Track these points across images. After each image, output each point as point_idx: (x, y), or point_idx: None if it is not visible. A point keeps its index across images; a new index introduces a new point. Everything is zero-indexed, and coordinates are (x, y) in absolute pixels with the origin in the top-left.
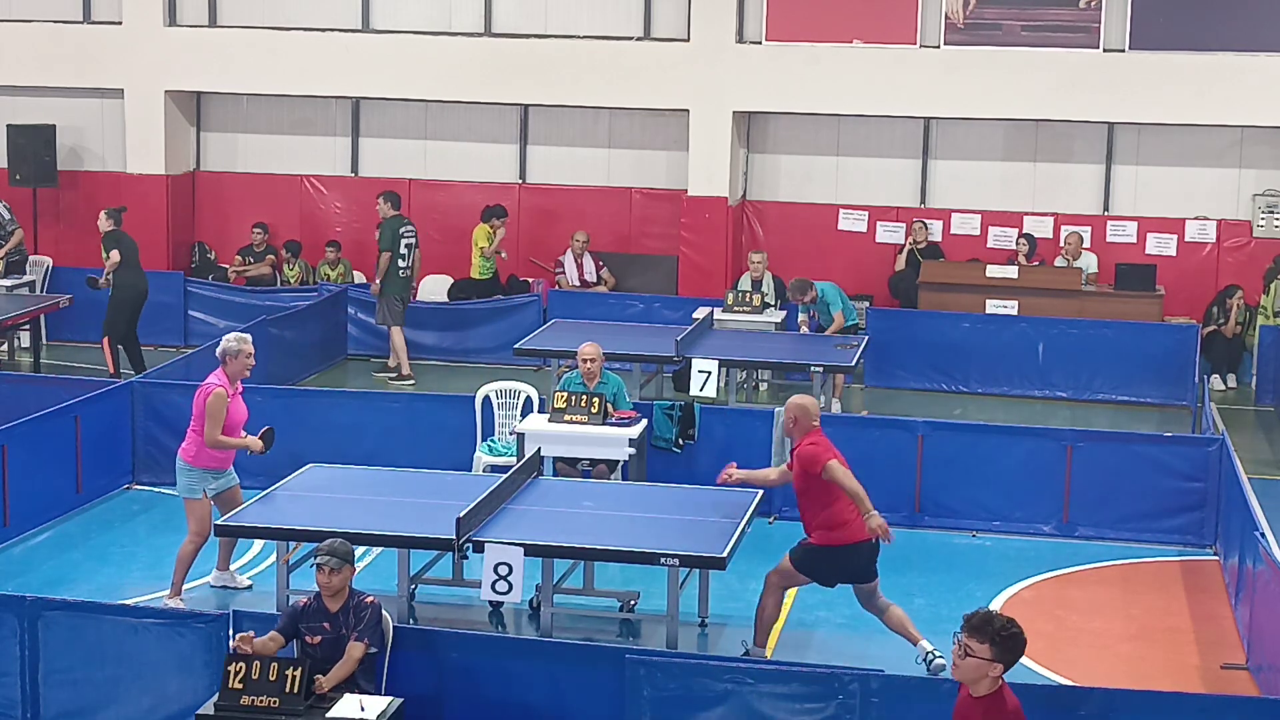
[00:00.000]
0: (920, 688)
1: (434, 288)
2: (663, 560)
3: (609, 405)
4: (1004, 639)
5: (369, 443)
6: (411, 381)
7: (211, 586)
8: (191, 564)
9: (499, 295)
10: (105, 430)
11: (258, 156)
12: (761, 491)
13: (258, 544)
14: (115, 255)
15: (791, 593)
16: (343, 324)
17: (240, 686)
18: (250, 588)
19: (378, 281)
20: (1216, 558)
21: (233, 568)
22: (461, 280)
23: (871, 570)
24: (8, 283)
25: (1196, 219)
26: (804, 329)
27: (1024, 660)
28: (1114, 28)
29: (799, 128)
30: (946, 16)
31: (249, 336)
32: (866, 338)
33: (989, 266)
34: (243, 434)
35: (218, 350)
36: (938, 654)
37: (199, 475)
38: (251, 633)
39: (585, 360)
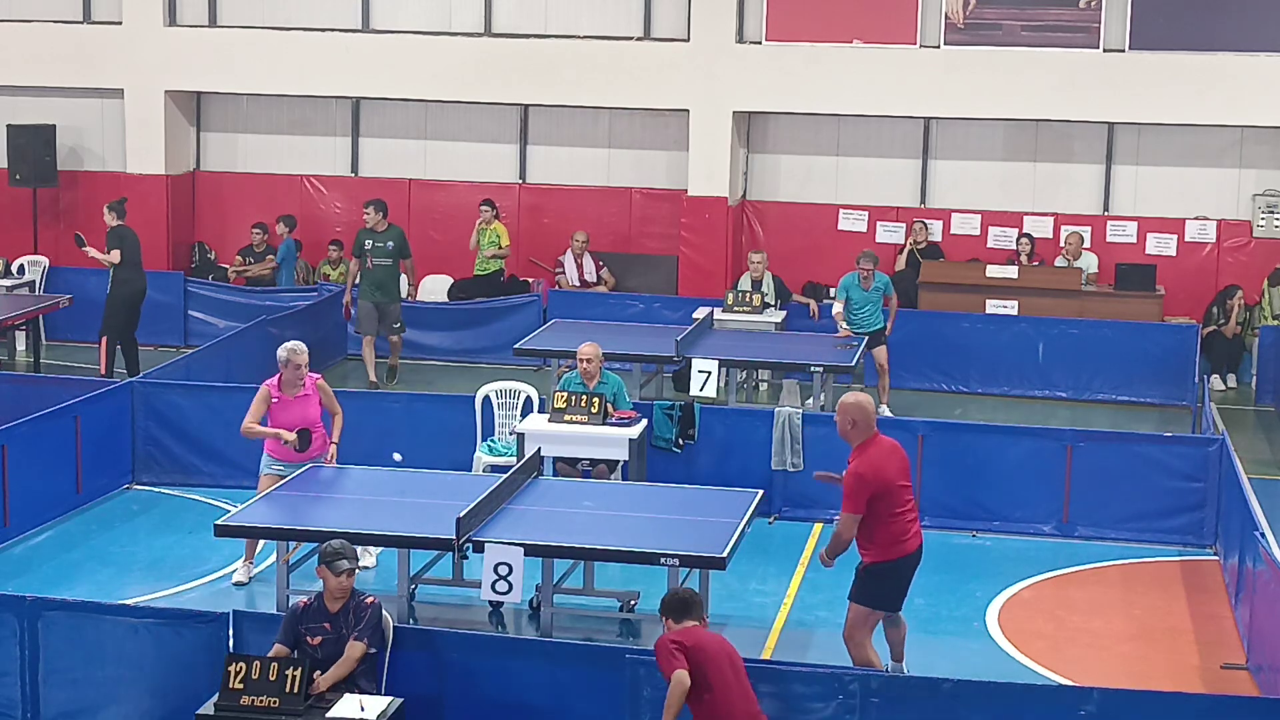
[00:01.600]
0: (920, 688)
1: (434, 288)
2: (663, 560)
3: (609, 405)
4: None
5: (369, 443)
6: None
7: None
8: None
9: (499, 294)
10: (105, 430)
11: (258, 156)
12: (761, 491)
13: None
14: (115, 255)
15: (792, 592)
16: (342, 324)
17: (240, 686)
18: (373, 567)
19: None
20: (1216, 558)
21: (232, 566)
22: (462, 280)
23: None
24: (7, 283)
25: (1196, 219)
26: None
27: (1024, 660)
28: (1114, 28)
29: (799, 128)
30: (946, 16)
31: (298, 346)
32: (866, 338)
33: (989, 266)
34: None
35: None
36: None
37: (263, 457)
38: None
39: (584, 360)
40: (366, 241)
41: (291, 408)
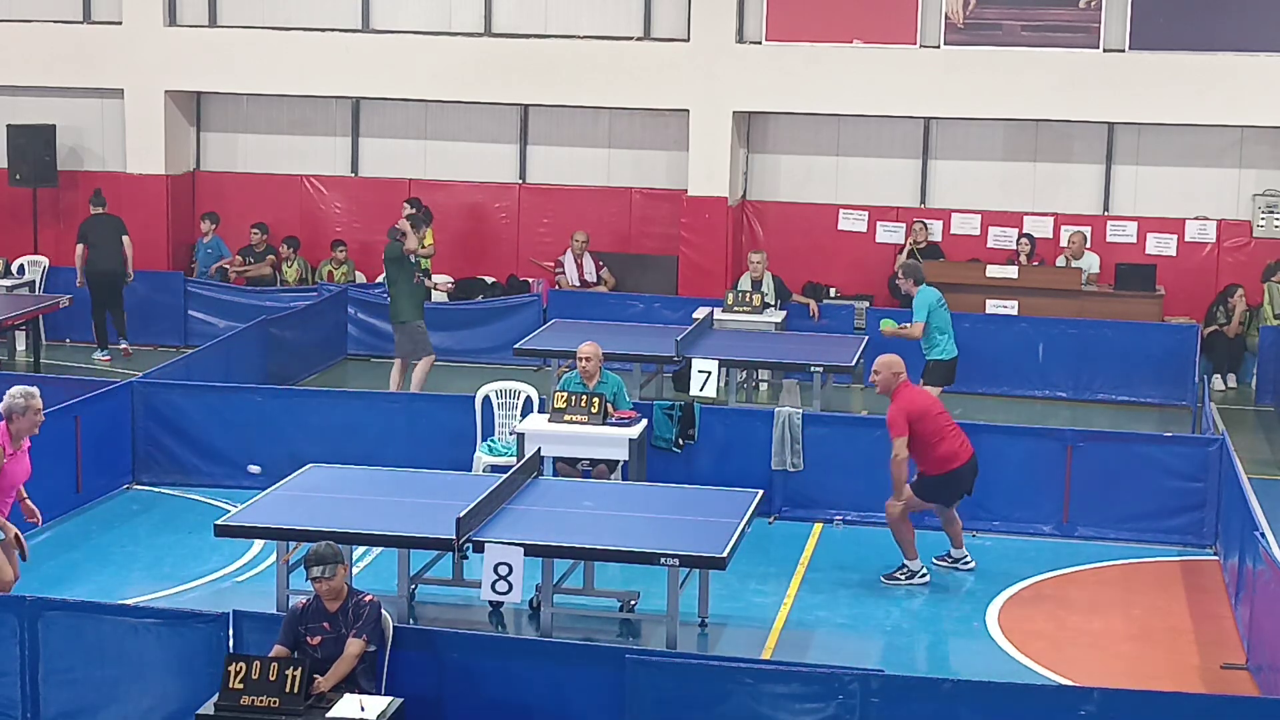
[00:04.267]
0: (920, 687)
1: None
2: (663, 560)
3: (609, 405)
4: None
5: (369, 443)
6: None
7: None
8: None
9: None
10: (105, 430)
11: (258, 156)
12: (761, 491)
13: (258, 544)
14: (81, 249)
15: (792, 592)
16: (343, 324)
17: (240, 686)
18: None
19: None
20: (1216, 558)
21: (232, 566)
22: None
23: (971, 487)
24: (7, 283)
25: (1196, 219)
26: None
27: (1024, 660)
28: (1114, 28)
29: (799, 128)
30: (946, 16)
31: (36, 391)
32: (866, 338)
33: (989, 266)
34: (23, 494)
35: (1, 406)
36: (970, 560)
37: None
38: None
39: (584, 360)
40: (422, 261)
41: (23, 463)
